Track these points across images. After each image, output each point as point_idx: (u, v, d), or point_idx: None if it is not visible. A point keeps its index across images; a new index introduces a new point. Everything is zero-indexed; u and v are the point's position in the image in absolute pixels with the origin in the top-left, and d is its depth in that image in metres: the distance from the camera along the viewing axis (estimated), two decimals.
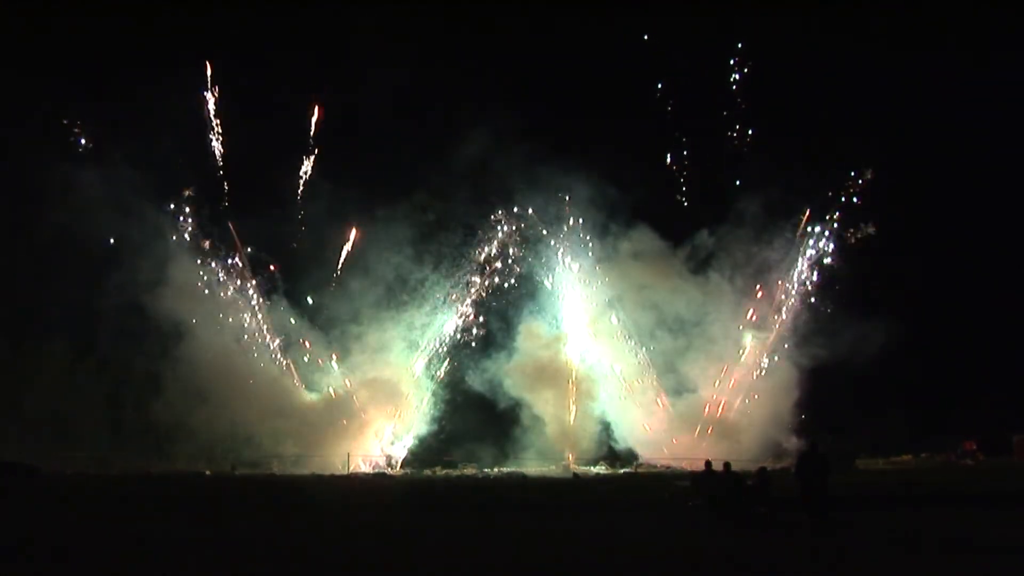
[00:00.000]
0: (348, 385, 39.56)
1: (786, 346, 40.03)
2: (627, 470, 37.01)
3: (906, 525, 17.54)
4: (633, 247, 40.63)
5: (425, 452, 39.38)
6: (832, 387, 37.73)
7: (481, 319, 41.12)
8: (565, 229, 41.53)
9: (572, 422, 39.95)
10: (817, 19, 41.57)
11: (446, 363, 40.56)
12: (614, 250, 41.06)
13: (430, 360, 40.46)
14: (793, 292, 40.67)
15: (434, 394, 40.29)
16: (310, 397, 39.33)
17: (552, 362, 40.48)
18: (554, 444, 39.63)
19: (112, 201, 36.10)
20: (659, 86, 40.95)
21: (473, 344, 40.85)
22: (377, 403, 39.20)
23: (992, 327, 38.50)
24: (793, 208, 40.48)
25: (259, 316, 39.67)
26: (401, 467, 38.46)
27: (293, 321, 39.93)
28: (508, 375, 40.04)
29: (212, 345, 37.89)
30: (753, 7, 42.92)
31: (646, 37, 40.94)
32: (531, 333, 40.92)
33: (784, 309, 40.58)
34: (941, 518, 18.58)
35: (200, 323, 38.03)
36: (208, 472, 34.22)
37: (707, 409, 39.97)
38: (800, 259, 40.63)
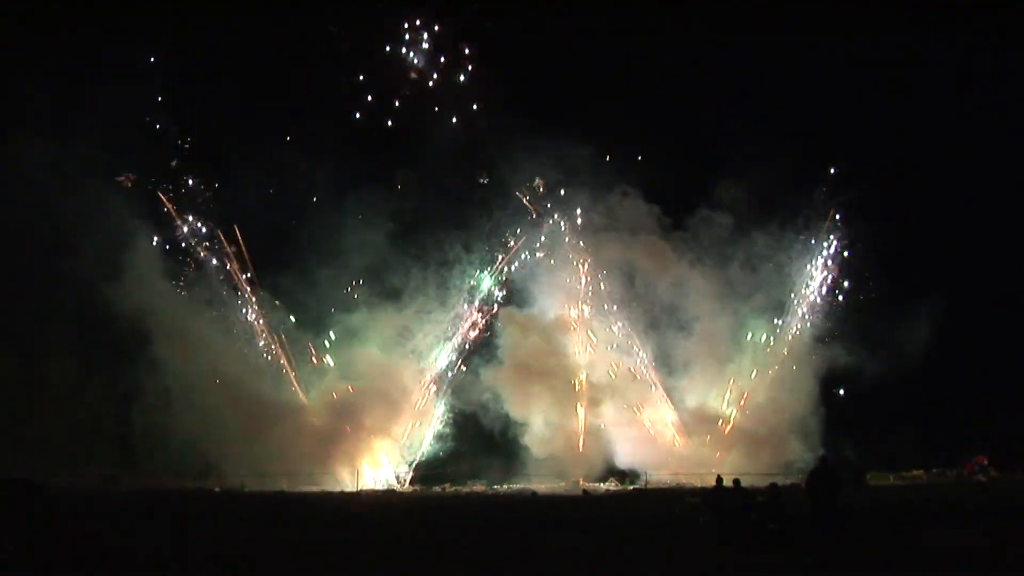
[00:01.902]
0: (343, 391, 38.37)
1: (799, 351, 38.95)
2: (636, 486, 36.62)
3: (916, 541, 17.39)
4: (630, 231, 38.55)
5: (432, 469, 38.85)
6: (841, 399, 37.51)
7: (473, 320, 39.03)
8: (553, 208, 39.49)
9: (580, 433, 38.46)
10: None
11: (446, 372, 38.91)
12: (607, 234, 38.98)
13: (424, 370, 38.82)
14: (807, 295, 39.48)
15: (445, 409, 39.06)
16: (313, 408, 38.41)
17: (544, 360, 38.02)
18: (561, 459, 38.13)
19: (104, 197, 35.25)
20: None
21: (462, 354, 38.89)
22: (381, 415, 37.84)
23: (1007, 338, 38.20)
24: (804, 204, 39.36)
25: (257, 320, 38.36)
26: (410, 484, 38.22)
27: (290, 324, 38.60)
28: (497, 379, 37.91)
29: (217, 356, 36.99)
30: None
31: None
32: (516, 324, 38.32)
33: (798, 313, 39.39)
34: (951, 535, 18.43)
35: (200, 330, 37.06)
36: (217, 489, 34.14)
37: (721, 419, 38.99)
38: (814, 260, 39.44)
